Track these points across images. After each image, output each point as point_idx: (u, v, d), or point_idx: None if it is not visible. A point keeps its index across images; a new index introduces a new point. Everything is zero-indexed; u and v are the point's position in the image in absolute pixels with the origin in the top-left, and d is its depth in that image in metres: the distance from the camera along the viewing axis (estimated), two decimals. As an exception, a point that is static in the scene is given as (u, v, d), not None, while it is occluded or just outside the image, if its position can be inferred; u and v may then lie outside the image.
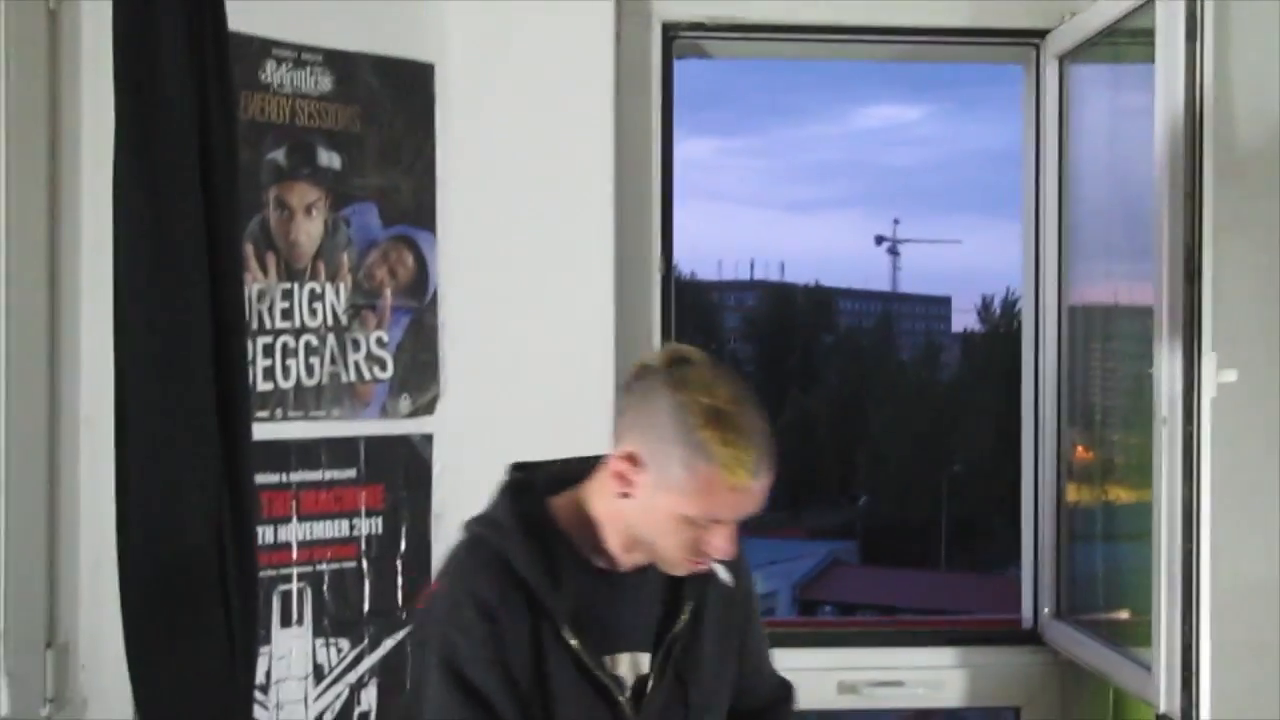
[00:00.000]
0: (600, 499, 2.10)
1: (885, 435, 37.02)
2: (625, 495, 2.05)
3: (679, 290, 3.95)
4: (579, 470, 2.15)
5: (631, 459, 2.03)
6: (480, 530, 2.13)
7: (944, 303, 53.03)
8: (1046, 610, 3.96)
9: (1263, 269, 3.87)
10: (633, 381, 2.06)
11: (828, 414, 38.66)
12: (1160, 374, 3.13)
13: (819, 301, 47.38)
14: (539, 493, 2.14)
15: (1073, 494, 3.93)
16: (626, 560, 2.13)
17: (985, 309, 42.31)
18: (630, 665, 2.14)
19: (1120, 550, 3.66)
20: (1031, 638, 4.00)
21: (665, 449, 2.00)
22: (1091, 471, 3.76)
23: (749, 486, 1.99)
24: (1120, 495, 3.62)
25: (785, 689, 2.41)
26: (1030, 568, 4.04)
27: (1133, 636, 3.45)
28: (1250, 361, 3.49)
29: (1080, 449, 3.87)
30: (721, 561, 2.10)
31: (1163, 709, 3.19)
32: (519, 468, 2.19)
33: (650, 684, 2.14)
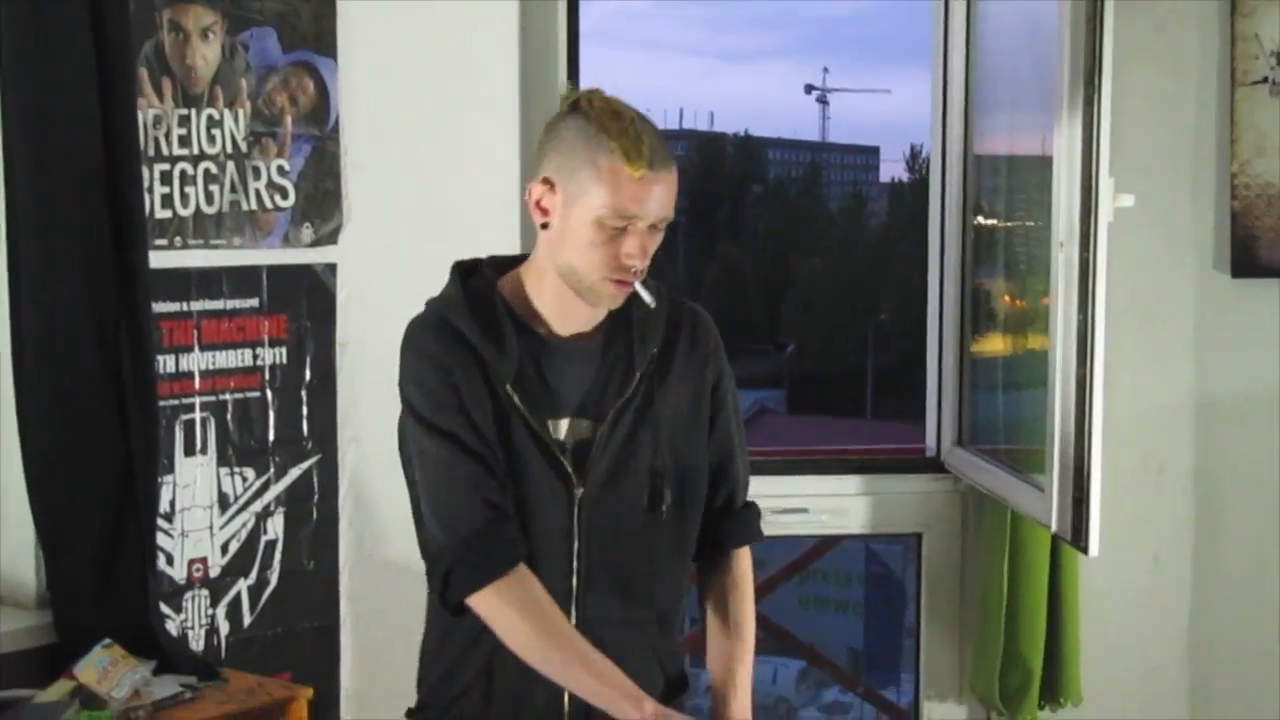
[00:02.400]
0: (532, 261, 2.25)
1: (813, 285, 37.16)
2: (545, 226, 2.19)
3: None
4: (524, 258, 2.29)
5: (546, 181, 2.18)
6: (431, 303, 2.27)
7: (872, 152, 53.01)
8: (949, 439, 4.03)
9: (1164, 95, 3.90)
10: (548, 124, 2.22)
11: (756, 264, 38.72)
12: (1058, 199, 3.15)
13: (748, 151, 47.19)
14: (487, 273, 2.27)
15: (999, 343, 3.98)
16: (564, 325, 2.24)
17: (913, 159, 42.33)
18: (570, 430, 2.23)
19: (1030, 395, 3.70)
20: (934, 465, 4.07)
21: (571, 160, 2.14)
22: (1024, 320, 3.78)
23: (646, 176, 2.12)
24: (1036, 343, 3.64)
25: (751, 505, 2.44)
26: (934, 398, 4.10)
27: (1031, 464, 3.52)
28: (1149, 188, 3.53)
29: (1008, 298, 3.91)
30: (647, 291, 2.21)
31: (1054, 528, 3.26)
32: (457, 267, 2.31)
33: (594, 448, 2.21)
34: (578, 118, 2.15)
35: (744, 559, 2.39)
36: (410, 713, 2.35)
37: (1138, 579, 4.01)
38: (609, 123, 2.12)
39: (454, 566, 2.15)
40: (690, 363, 2.31)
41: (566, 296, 2.21)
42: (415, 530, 2.27)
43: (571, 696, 2.23)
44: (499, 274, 2.27)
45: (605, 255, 2.15)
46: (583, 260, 2.16)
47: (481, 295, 2.23)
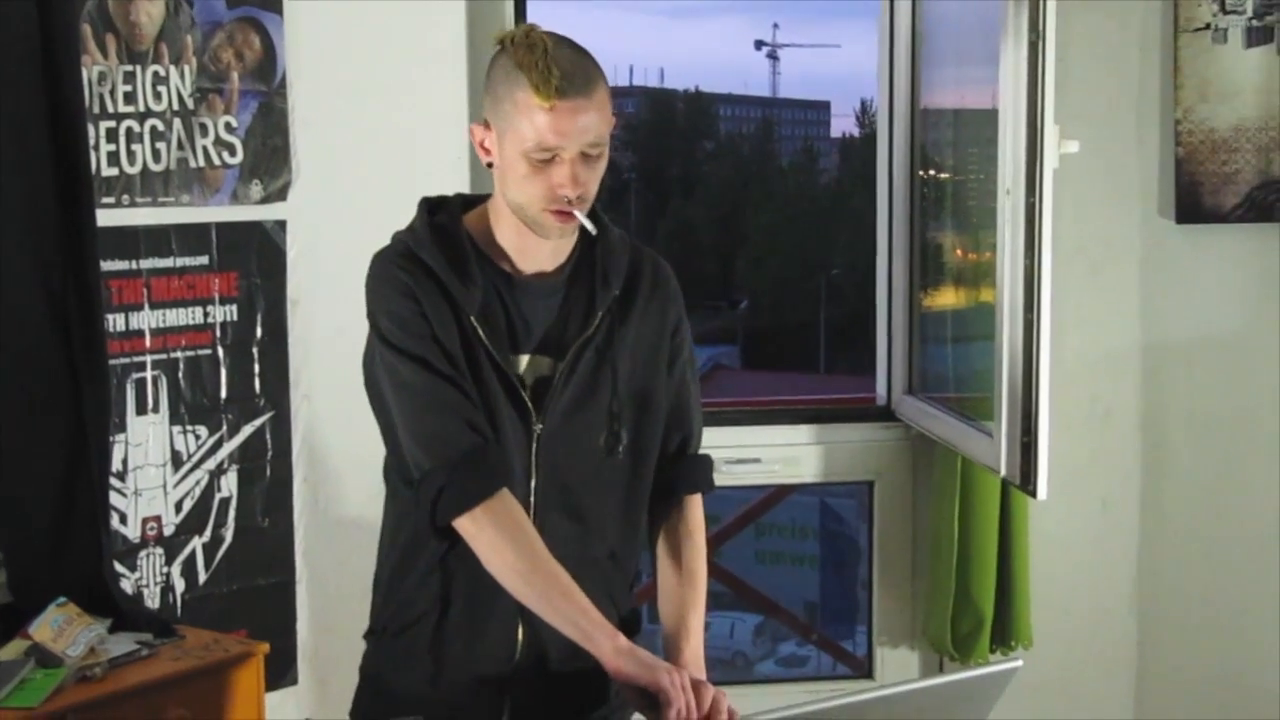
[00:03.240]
0: (494, 199, 2.27)
1: (765, 240, 37.19)
2: (490, 165, 2.23)
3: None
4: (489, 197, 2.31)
5: (484, 123, 2.22)
6: (397, 235, 2.29)
7: (823, 107, 52.93)
8: (899, 387, 4.06)
9: (1108, 42, 3.93)
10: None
11: (708, 221, 38.71)
12: (1004, 145, 3.18)
13: (699, 108, 47.05)
14: (453, 209, 2.30)
15: (949, 297, 4.00)
16: (526, 263, 2.26)
17: (864, 113, 42.35)
18: (531, 366, 2.26)
19: (980, 347, 3.72)
20: (884, 414, 4.11)
21: (496, 97, 2.18)
22: (974, 274, 3.80)
23: (558, 106, 2.13)
24: (985, 296, 3.66)
25: (705, 457, 2.45)
26: (884, 347, 4.13)
27: (980, 411, 3.55)
28: (1093, 135, 3.56)
29: (960, 252, 3.94)
30: (590, 221, 2.23)
31: (1003, 473, 3.30)
32: (425, 202, 2.33)
33: (553, 385, 2.25)
34: (503, 55, 2.18)
35: (696, 508, 2.41)
36: (366, 636, 2.38)
37: (1086, 523, 4.06)
38: (523, 56, 2.14)
39: (444, 488, 2.17)
40: (650, 306, 2.34)
41: (525, 233, 2.24)
42: (386, 455, 2.29)
43: (525, 634, 2.27)
44: (465, 210, 2.30)
45: (539, 186, 2.17)
46: (521, 193, 2.19)
47: (448, 230, 2.25)
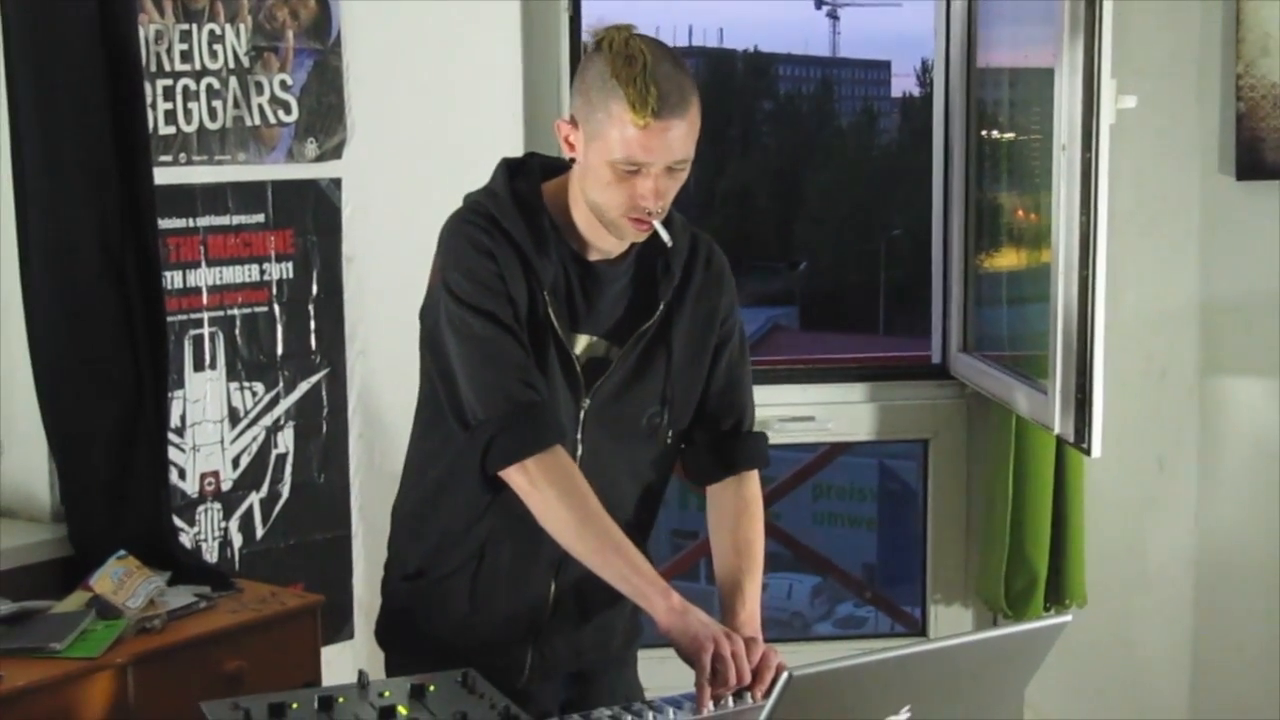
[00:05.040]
0: (572, 182, 2.28)
1: (824, 201, 36.99)
2: (573, 159, 2.25)
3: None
4: (566, 165, 2.32)
5: (571, 120, 2.22)
6: (477, 198, 2.30)
7: (884, 67, 52.50)
8: (955, 345, 4.04)
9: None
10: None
11: (767, 181, 38.52)
12: (1061, 101, 3.15)
13: (758, 68, 46.78)
14: (533, 177, 2.31)
15: (1007, 258, 3.98)
16: (595, 246, 2.29)
17: (924, 73, 41.98)
18: (587, 348, 2.31)
19: (1036, 309, 3.69)
20: (940, 372, 4.09)
21: (589, 101, 2.18)
22: (1032, 234, 3.78)
23: (653, 126, 2.14)
24: (1041, 258, 3.63)
25: (760, 433, 2.50)
26: (939, 305, 4.11)
27: (1036, 369, 3.53)
28: (1152, 90, 3.52)
29: (1020, 213, 3.91)
30: (665, 228, 2.26)
31: (1057, 430, 3.28)
32: (505, 164, 2.34)
33: (610, 369, 2.30)
34: (600, 57, 2.17)
35: (753, 482, 2.46)
36: (407, 578, 2.42)
37: (1142, 481, 4.04)
38: (621, 68, 2.13)
39: (496, 436, 2.21)
40: (704, 292, 2.38)
41: (595, 223, 2.27)
42: (446, 399, 2.31)
43: (557, 594, 2.34)
44: (546, 175, 2.32)
45: (622, 195, 2.19)
46: (602, 198, 2.21)
47: (528, 201, 2.28)
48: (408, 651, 2.42)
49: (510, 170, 2.31)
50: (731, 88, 43.68)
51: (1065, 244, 3.17)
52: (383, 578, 2.51)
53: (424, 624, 2.40)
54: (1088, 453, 3.20)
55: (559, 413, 2.26)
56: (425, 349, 2.34)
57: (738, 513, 2.41)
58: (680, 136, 2.17)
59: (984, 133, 3.98)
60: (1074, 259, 3.15)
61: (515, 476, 2.22)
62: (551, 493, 2.20)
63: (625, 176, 2.17)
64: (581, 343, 2.30)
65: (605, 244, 2.30)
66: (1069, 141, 3.13)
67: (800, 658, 2.23)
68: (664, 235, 2.25)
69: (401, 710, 1.99)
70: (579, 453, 2.29)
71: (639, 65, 2.13)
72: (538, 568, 2.33)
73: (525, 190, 2.28)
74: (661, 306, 2.32)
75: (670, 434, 2.37)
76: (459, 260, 2.25)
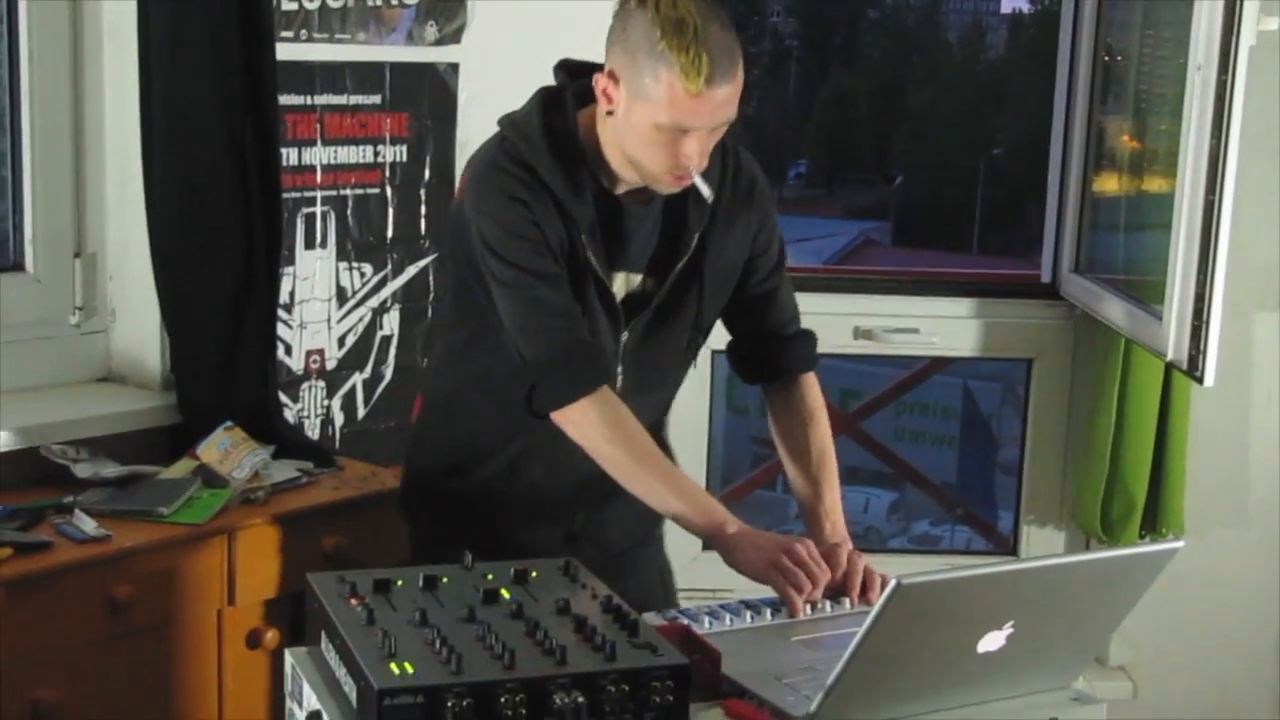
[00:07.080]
0: (600, 120, 2.28)
1: (925, 116, 36.46)
2: (610, 113, 2.22)
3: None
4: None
5: (611, 75, 2.19)
6: (511, 136, 2.29)
7: (995, -18, 51.60)
8: (1066, 265, 3.98)
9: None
10: (618, 6, 2.20)
11: (868, 93, 37.99)
12: (1199, 19, 3.06)
13: (866, -24, 46.08)
14: (570, 107, 2.29)
15: (1113, 183, 3.90)
16: (626, 183, 2.30)
17: (1036, -11, 41.14)
18: (624, 283, 2.34)
19: (1149, 236, 3.62)
20: (1048, 292, 4.03)
21: (634, 61, 2.15)
22: (1144, 160, 3.70)
23: (704, 93, 2.12)
24: (1160, 185, 3.56)
25: (807, 332, 2.52)
26: (1053, 225, 4.04)
27: (1150, 295, 3.47)
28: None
29: (1127, 138, 3.82)
30: (703, 178, 2.24)
31: (1170, 357, 3.23)
32: (564, 67, 2.34)
33: (649, 302, 2.33)
34: (645, 14, 2.14)
35: (813, 386, 2.48)
36: (450, 473, 2.47)
37: (1251, 414, 3.96)
38: (671, 35, 2.11)
39: (541, 380, 2.24)
40: (735, 210, 2.38)
41: (629, 165, 2.26)
42: (451, 295, 2.41)
43: (585, 514, 2.42)
44: (581, 104, 2.29)
45: (665, 155, 2.19)
46: (643, 155, 2.21)
47: (562, 139, 2.26)
48: (435, 523, 2.52)
49: (545, 104, 2.29)
50: (838, -5, 43.10)
51: (1193, 168, 3.09)
52: (408, 452, 2.58)
53: (454, 514, 2.48)
54: (1200, 381, 3.14)
55: (604, 352, 2.28)
56: (452, 254, 2.39)
57: (806, 422, 2.43)
58: (728, 99, 2.17)
59: (1111, 57, 3.88)
60: (1200, 183, 3.07)
61: (568, 417, 2.24)
62: (602, 431, 2.24)
63: (670, 139, 2.17)
64: (619, 280, 2.33)
65: (636, 180, 2.30)
66: (1204, 63, 3.04)
67: (880, 570, 2.24)
68: (704, 190, 2.24)
69: (504, 593, 2.00)
70: (619, 384, 2.33)
71: (690, 32, 2.11)
72: (560, 494, 2.42)
73: (559, 126, 2.27)
74: (695, 236, 2.33)
75: (697, 349, 2.43)
76: (492, 208, 2.25)
